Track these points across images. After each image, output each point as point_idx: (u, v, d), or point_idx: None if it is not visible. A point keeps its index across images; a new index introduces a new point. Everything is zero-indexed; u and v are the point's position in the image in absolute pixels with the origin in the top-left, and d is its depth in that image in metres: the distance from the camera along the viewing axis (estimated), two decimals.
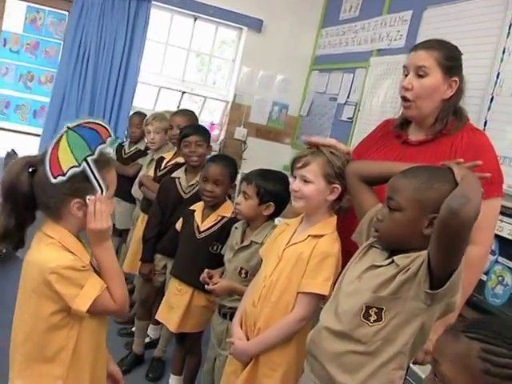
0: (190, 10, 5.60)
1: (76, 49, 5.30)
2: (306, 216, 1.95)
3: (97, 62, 5.38)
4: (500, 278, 2.90)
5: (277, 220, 2.33)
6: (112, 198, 1.59)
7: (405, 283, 1.43)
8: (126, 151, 4.17)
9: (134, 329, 3.41)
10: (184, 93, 5.84)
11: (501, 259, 2.91)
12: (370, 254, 1.60)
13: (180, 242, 2.66)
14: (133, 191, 3.80)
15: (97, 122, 1.52)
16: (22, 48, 5.58)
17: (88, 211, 1.48)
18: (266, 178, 2.22)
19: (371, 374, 1.48)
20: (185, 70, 5.94)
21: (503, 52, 3.15)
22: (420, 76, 1.88)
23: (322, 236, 1.85)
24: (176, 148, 3.42)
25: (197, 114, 5.93)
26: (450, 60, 1.87)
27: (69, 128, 1.47)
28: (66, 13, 5.45)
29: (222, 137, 5.98)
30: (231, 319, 2.10)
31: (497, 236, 2.88)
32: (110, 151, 4.64)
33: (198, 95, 6.05)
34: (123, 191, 3.85)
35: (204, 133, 2.98)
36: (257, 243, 2.19)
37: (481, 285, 2.92)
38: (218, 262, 2.42)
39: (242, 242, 2.27)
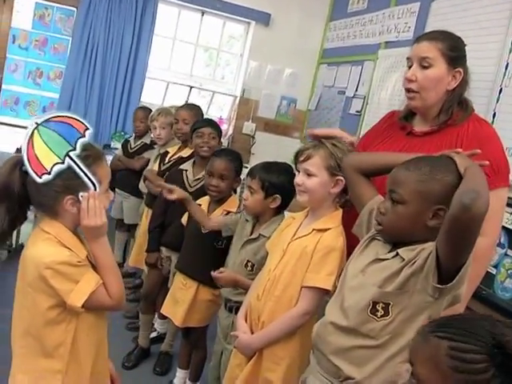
0: (197, 4, 5.61)
1: (84, 45, 5.33)
2: (311, 210, 1.94)
3: (105, 57, 5.40)
4: (510, 272, 2.88)
5: (286, 213, 2.32)
6: (107, 191, 1.57)
7: (411, 277, 1.42)
8: (132, 146, 4.19)
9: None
10: (192, 88, 5.83)
11: (510, 252, 2.89)
12: (372, 246, 1.58)
13: (185, 237, 2.66)
14: (140, 186, 3.81)
15: (68, 115, 1.50)
16: (31, 44, 5.61)
17: (81, 208, 1.47)
18: (269, 170, 2.20)
19: (379, 367, 1.47)
20: (193, 65, 5.95)
21: None
22: (424, 67, 1.86)
23: (326, 230, 1.84)
24: (181, 142, 3.42)
25: (205, 108, 5.99)
26: (454, 51, 1.85)
27: (37, 123, 1.44)
28: (74, 9, 5.47)
29: (230, 131, 5.98)
30: (237, 313, 2.10)
31: (506, 229, 2.86)
32: (116, 147, 4.68)
33: (206, 90, 6.04)
34: (131, 186, 3.88)
35: (217, 127, 2.99)
36: (265, 237, 2.18)
37: (490, 278, 2.90)
38: (222, 257, 2.41)
39: (251, 234, 2.27)
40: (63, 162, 1.44)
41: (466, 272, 1.35)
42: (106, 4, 5.30)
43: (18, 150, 1.55)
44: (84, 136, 1.48)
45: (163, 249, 3.03)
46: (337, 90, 5.30)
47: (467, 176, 1.35)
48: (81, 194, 1.46)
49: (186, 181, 2.92)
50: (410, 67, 1.92)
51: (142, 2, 5.39)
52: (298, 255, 1.84)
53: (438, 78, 1.85)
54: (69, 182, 1.46)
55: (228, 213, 2.53)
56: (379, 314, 1.45)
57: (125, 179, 4.00)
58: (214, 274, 2.18)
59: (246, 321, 1.98)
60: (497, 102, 3.15)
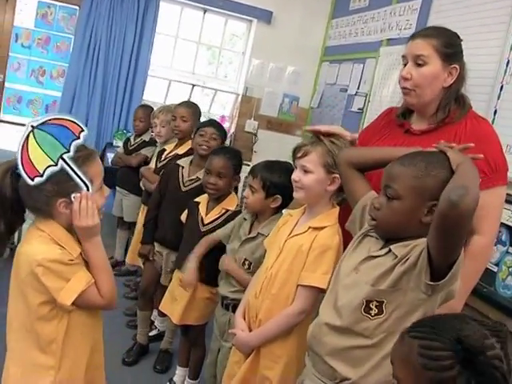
0: (199, 2, 5.60)
1: (87, 43, 5.33)
2: (308, 207, 1.94)
3: (107, 55, 5.41)
4: (511, 269, 2.86)
5: (284, 211, 2.31)
6: (101, 189, 1.58)
7: (404, 274, 1.41)
8: (132, 143, 4.23)
9: None
10: (194, 86, 5.83)
11: None
12: (365, 243, 1.58)
13: (184, 234, 2.66)
14: (141, 184, 3.82)
15: (64, 117, 1.51)
16: (34, 43, 5.63)
17: (73, 209, 1.48)
18: (271, 170, 2.20)
19: (374, 366, 1.46)
20: (195, 63, 5.95)
21: None
22: (419, 65, 1.85)
23: (322, 228, 1.84)
24: (177, 140, 3.42)
25: (207, 106, 6.00)
26: (449, 47, 1.84)
27: (33, 127, 1.46)
28: (77, 7, 5.48)
29: (232, 129, 5.98)
30: (234, 311, 2.11)
31: (508, 227, 2.84)
32: (118, 145, 4.69)
33: (208, 88, 6.04)
34: (131, 184, 3.90)
35: (221, 129, 2.98)
36: (263, 235, 2.18)
37: (491, 276, 2.89)
38: (220, 255, 2.40)
39: (249, 233, 2.27)
40: (56, 164, 1.45)
41: (458, 268, 1.35)
42: (108, 2, 5.30)
43: None
44: (79, 138, 1.49)
45: (155, 244, 3.05)
46: (339, 87, 5.29)
47: (458, 172, 1.34)
48: (73, 195, 1.48)
49: (181, 178, 2.94)
50: (405, 65, 1.91)
51: (144, 1, 5.38)
52: (295, 253, 1.84)
53: (433, 75, 1.84)
54: (59, 186, 1.47)
55: (227, 211, 2.53)
56: (373, 312, 1.45)
57: (125, 177, 4.03)
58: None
59: (244, 318, 1.98)
60: (498, 98, 3.13)
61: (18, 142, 1.47)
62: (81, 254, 1.55)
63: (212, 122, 3.08)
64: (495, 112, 3.14)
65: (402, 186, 1.44)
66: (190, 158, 3.01)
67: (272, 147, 5.56)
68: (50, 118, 1.49)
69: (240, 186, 2.94)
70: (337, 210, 1.91)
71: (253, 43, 5.82)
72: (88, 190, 1.49)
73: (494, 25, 3.26)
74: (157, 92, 5.88)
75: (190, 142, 3.23)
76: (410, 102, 1.92)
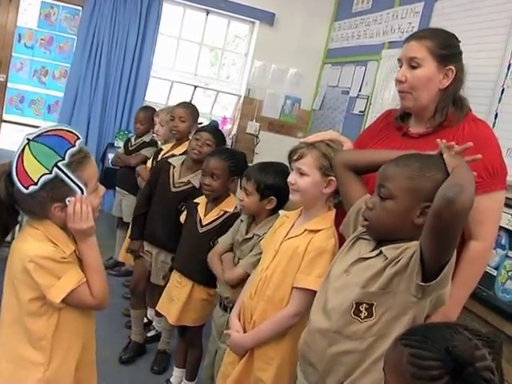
0: (201, 3, 5.60)
1: (89, 44, 5.34)
2: (304, 209, 1.94)
3: (110, 56, 5.42)
4: (510, 273, 2.85)
5: (281, 212, 2.31)
6: (96, 190, 1.59)
7: (395, 276, 1.40)
8: (132, 144, 4.24)
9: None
10: (196, 87, 5.83)
11: (511, 253, 2.86)
12: (357, 246, 1.57)
13: (182, 235, 2.66)
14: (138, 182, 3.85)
15: (60, 128, 1.52)
16: (37, 43, 5.63)
17: (67, 212, 1.50)
18: (265, 172, 2.20)
19: (365, 371, 1.45)
20: (197, 64, 5.95)
21: None
22: (413, 67, 1.84)
23: (318, 231, 1.84)
24: (175, 140, 3.43)
25: (209, 108, 5.99)
26: (444, 48, 1.82)
27: (28, 139, 1.47)
28: (80, 8, 5.48)
29: (234, 131, 5.98)
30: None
31: (507, 230, 2.83)
32: (120, 145, 4.70)
33: (210, 89, 6.05)
34: (130, 184, 3.91)
35: (218, 137, 2.94)
36: (258, 236, 2.19)
37: (490, 280, 2.88)
38: None
39: (246, 234, 2.27)
40: (51, 172, 1.46)
41: (449, 270, 1.34)
42: (111, 3, 5.31)
43: None
44: (74, 146, 1.50)
45: (144, 243, 3.05)
46: (341, 89, 5.29)
47: (453, 174, 1.34)
48: (67, 199, 1.49)
49: (171, 178, 2.94)
50: (401, 67, 1.90)
51: (146, 2, 5.39)
52: (290, 255, 1.84)
53: (427, 77, 1.82)
54: (54, 192, 1.48)
55: (225, 213, 2.53)
56: (362, 315, 1.44)
57: (124, 177, 4.04)
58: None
59: (239, 319, 1.98)
60: (499, 102, 3.12)
61: (16, 148, 1.48)
62: (75, 252, 1.56)
63: (210, 128, 3.09)
64: (496, 115, 3.13)
65: (395, 186, 1.44)
66: (183, 158, 3.01)
67: (273, 149, 5.55)
68: (46, 129, 1.51)
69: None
70: (333, 212, 1.91)
71: (255, 45, 5.82)
72: (82, 193, 1.50)
73: (495, 28, 3.25)
74: (159, 93, 5.88)
75: (187, 142, 3.22)
76: (406, 106, 1.91)
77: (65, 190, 1.49)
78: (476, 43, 3.19)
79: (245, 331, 1.94)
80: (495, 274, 2.90)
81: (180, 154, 3.21)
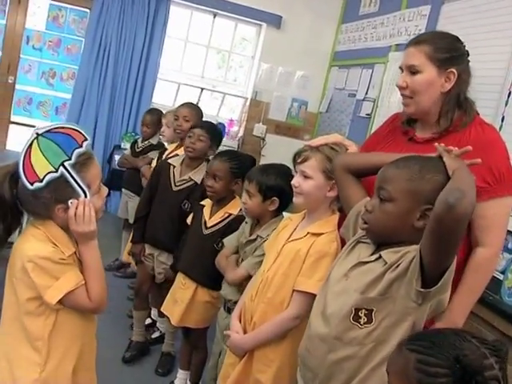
0: (209, 6, 5.62)
1: (97, 46, 5.37)
2: (308, 212, 1.94)
3: (117, 58, 5.45)
4: None
5: (285, 214, 2.31)
6: (99, 191, 1.59)
7: (394, 282, 1.39)
8: (139, 145, 4.23)
9: (146, 322, 3.44)
10: (203, 89, 5.84)
11: None
12: (356, 249, 1.55)
13: (188, 236, 2.67)
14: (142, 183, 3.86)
15: (69, 126, 1.53)
16: (45, 45, 5.68)
17: (69, 215, 1.50)
18: (266, 173, 2.20)
19: (364, 377, 1.43)
20: (204, 67, 5.96)
21: None
22: (413, 73, 1.82)
23: (320, 234, 1.83)
24: (179, 140, 3.44)
25: (216, 110, 6.00)
26: (444, 52, 1.79)
27: (38, 134, 1.47)
28: (88, 10, 5.53)
29: (240, 133, 5.99)
30: None
31: None
32: (126, 147, 4.72)
33: (217, 91, 6.05)
34: (136, 185, 3.91)
35: (211, 131, 2.94)
36: (262, 238, 2.18)
37: (497, 284, 2.86)
38: None
39: (250, 236, 2.27)
40: (57, 171, 1.46)
41: (450, 276, 1.32)
42: (118, 6, 5.34)
43: None
44: (81, 146, 1.51)
45: (146, 246, 3.05)
46: (347, 92, 5.29)
47: (454, 177, 1.32)
48: (70, 201, 1.49)
49: (172, 177, 2.95)
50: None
51: (154, 4, 5.42)
52: (292, 258, 1.83)
53: (427, 82, 1.80)
54: (57, 193, 1.48)
55: (229, 215, 2.53)
56: (362, 321, 1.42)
57: (131, 178, 4.04)
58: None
59: (240, 321, 1.98)
60: (505, 105, 3.11)
61: (22, 147, 1.48)
62: (75, 253, 1.56)
63: (203, 123, 3.05)
64: (503, 119, 3.12)
65: (395, 188, 1.42)
66: (182, 157, 3.01)
67: (280, 151, 5.53)
68: (55, 126, 1.51)
69: None
70: (336, 216, 1.90)
71: (262, 47, 5.84)
72: (86, 196, 1.51)
73: (502, 31, 3.24)
74: (166, 95, 5.90)
75: None
76: (409, 112, 1.89)
77: (68, 191, 1.49)
78: (483, 46, 3.18)
79: (245, 333, 1.93)
80: (502, 278, 2.88)
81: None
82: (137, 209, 3.18)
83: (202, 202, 2.66)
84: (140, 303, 3.20)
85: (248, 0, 5.58)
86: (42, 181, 1.45)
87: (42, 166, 1.46)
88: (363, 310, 1.42)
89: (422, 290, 1.32)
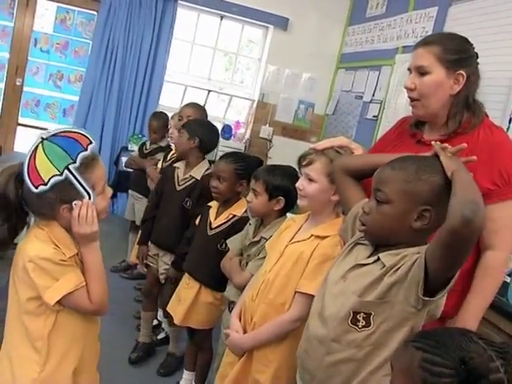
0: (216, 8, 5.64)
1: (104, 48, 5.40)
2: (312, 215, 1.93)
3: (124, 61, 5.47)
4: None
5: (288, 215, 2.31)
6: (103, 192, 1.59)
7: (393, 286, 1.37)
8: (147, 147, 4.23)
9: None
10: (210, 91, 5.85)
11: None
12: (354, 251, 1.54)
13: (195, 237, 2.67)
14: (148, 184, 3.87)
15: (74, 130, 1.53)
16: (52, 48, 5.72)
17: (72, 216, 1.50)
18: (273, 173, 2.20)
19: (362, 381, 1.43)
20: (211, 69, 5.98)
21: None
22: (422, 74, 1.81)
23: (325, 237, 1.81)
24: None
25: (223, 112, 6.01)
26: (453, 53, 1.77)
27: (43, 138, 1.48)
28: (95, 13, 5.56)
29: (247, 135, 5.99)
30: None
31: None
32: (133, 149, 4.73)
33: (224, 94, 6.07)
34: (143, 187, 3.91)
35: (191, 128, 2.97)
36: (266, 239, 2.18)
37: (504, 287, 2.83)
38: None
39: (253, 237, 2.27)
40: (61, 174, 1.47)
41: (453, 283, 1.32)
42: (126, 8, 5.37)
43: None
44: (86, 149, 1.51)
45: (151, 246, 3.08)
46: (354, 94, 5.29)
47: (457, 182, 1.29)
48: (74, 202, 1.50)
49: (176, 178, 2.99)
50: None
51: (161, 7, 5.45)
52: (295, 260, 1.82)
53: (436, 83, 1.78)
54: (62, 194, 1.49)
55: (234, 216, 2.53)
56: (360, 324, 1.41)
57: (138, 180, 4.04)
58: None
59: (239, 319, 1.97)
60: None
61: (27, 151, 1.49)
62: (78, 254, 1.56)
63: (186, 122, 3.12)
64: (510, 120, 3.11)
65: (392, 189, 1.41)
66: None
67: (287, 153, 5.51)
68: (60, 130, 1.52)
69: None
70: (340, 219, 1.87)
71: (269, 49, 5.84)
72: (90, 197, 1.51)
73: (509, 33, 3.24)
74: (173, 97, 5.92)
75: None
76: (417, 114, 1.88)
77: (73, 192, 1.50)
78: (490, 48, 3.17)
79: (245, 332, 1.93)
80: (508, 281, 2.86)
81: None
82: (144, 211, 3.22)
83: (209, 204, 2.67)
84: (148, 304, 3.20)
85: (255, 2, 5.60)
86: (46, 184, 1.46)
87: (47, 170, 1.46)
88: (362, 314, 1.41)
89: (426, 298, 1.31)
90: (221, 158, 2.59)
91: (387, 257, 1.41)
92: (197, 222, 2.72)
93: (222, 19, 5.83)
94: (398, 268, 1.37)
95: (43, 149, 1.47)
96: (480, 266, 1.77)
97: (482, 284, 1.77)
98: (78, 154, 1.49)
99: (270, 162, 5.64)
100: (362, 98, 5.10)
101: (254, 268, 2.14)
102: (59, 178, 1.47)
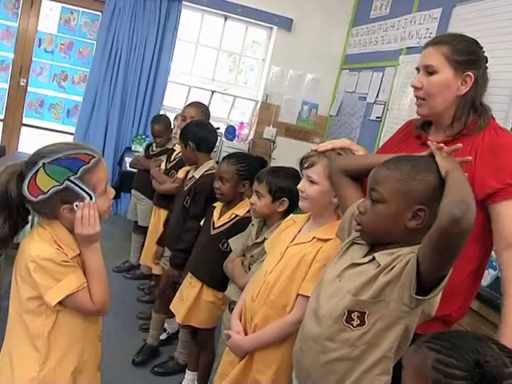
0: (220, 9, 5.64)
1: (108, 49, 5.41)
2: (313, 216, 1.92)
3: (128, 61, 5.48)
4: None
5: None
6: (105, 192, 1.59)
7: (387, 285, 1.38)
8: (153, 149, 4.21)
9: None
10: (214, 92, 5.86)
11: None
12: (350, 251, 1.55)
13: (199, 236, 2.68)
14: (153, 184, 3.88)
15: (75, 152, 1.51)
16: (56, 48, 5.72)
17: (75, 217, 1.51)
18: (276, 174, 2.21)
19: (355, 380, 1.43)
20: (215, 70, 5.98)
21: None
22: (430, 73, 1.80)
23: (327, 240, 1.81)
24: None
25: (227, 113, 6.01)
26: (462, 54, 1.76)
27: (44, 163, 1.48)
28: (99, 13, 5.56)
29: (251, 136, 6.00)
30: None
31: None
32: (141, 149, 4.72)
33: (227, 94, 6.07)
34: (146, 187, 3.91)
35: (185, 134, 3.01)
36: None
37: None
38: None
39: (256, 238, 2.27)
40: (61, 184, 1.48)
41: (446, 282, 1.31)
42: (130, 9, 5.38)
43: None
44: (88, 163, 1.51)
45: (166, 248, 3.11)
46: (358, 95, 5.28)
47: (450, 182, 1.30)
48: (75, 203, 1.50)
49: (186, 181, 3.08)
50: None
51: (165, 7, 5.46)
52: (297, 262, 1.81)
53: (443, 83, 1.77)
54: (62, 195, 1.49)
55: (236, 216, 2.53)
56: (355, 323, 1.41)
57: (141, 180, 4.03)
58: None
59: (240, 319, 1.97)
60: None
61: (28, 173, 1.49)
62: (79, 255, 1.57)
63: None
64: None
65: (386, 189, 1.41)
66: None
67: (290, 154, 5.51)
68: (61, 155, 1.49)
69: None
70: None
71: (273, 50, 5.85)
72: (91, 199, 1.52)
73: None
74: (176, 98, 5.92)
75: None
76: (422, 113, 1.87)
77: (73, 193, 1.50)
78: (494, 49, 3.14)
79: (245, 332, 1.92)
80: None
81: None
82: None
83: (213, 204, 2.68)
84: (161, 306, 3.18)
85: (259, 3, 5.60)
86: (46, 193, 1.47)
87: (47, 183, 1.47)
88: (356, 313, 1.41)
89: (419, 297, 1.32)
90: (223, 158, 2.60)
91: (382, 256, 1.42)
92: (201, 223, 2.74)
93: (226, 20, 5.84)
94: (393, 267, 1.38)
95: (44, 170, 1.48)
96: (508, 270, 1.71)
97: None
98: (80, 167, 1.50)
99: (273, 163, 5.64)
100: (365, 99, 5.09)
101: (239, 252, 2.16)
102: (59, 187, 1.48)
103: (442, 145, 1.46)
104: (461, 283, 1.79)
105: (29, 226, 1.65)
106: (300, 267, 1.81)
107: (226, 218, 2.55)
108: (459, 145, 1.48)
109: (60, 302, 1.51)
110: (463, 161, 1.45)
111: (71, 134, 5.71)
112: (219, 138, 5.36)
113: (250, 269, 2.21)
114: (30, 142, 5.73)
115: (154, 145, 4.25)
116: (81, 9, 5.65)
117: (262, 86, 5.98)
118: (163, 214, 3.51)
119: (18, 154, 5.15)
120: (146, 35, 5.48)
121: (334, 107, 5.79)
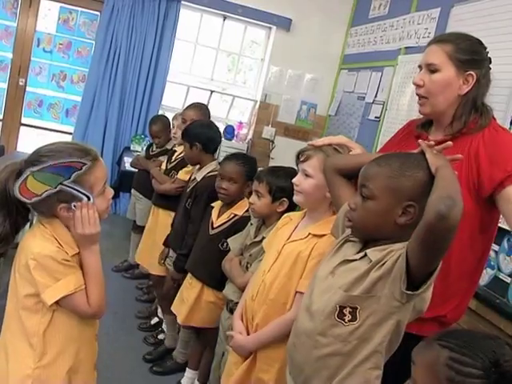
0: (219, 9, 5.64)
1: (107, 48, 5.41)
2: (308, 212, 1.93)
3: (127, 61, 5.49)
4: None
5: None
6: (104, 192, 1.59)
7: (379, 280, 1.38)
8: (154, 149, 4.20)
9: (153, 322, 3.50)
10: (213, 92, 5.86)
11: None
12: (344, 248, 1.55)
13: (198, 236, 2.69)
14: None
15: (64, 161, 1.49)
16: (55, 48, 5.72)
17: (74, 217, 1.51)
18: (276, 174, 2.21)
19: (347, 375, 1.43)
20: (214, 69, 5.99)
21: None
22: (431, 71, 1.80)
23: (322, 236, 1.81)
24: None
25: (225, 113, 6.02)
26: (465, 53, 1.75)
27: (32, 171, 1.47)
28: (98, 13, 5.56)
29: (249, 136, 6.00)
30: None
31: None
32: (140, 149, 4.72)
33: (226, 94, 6.07)
34: (145, 188, 3.91)
35: (191, 133, 3.01)
36: None
37: (504, 287, 2.85)
38: None
39: (255, 237, 2.27)
40: (55, 188, 1.48)
41: (435, 277, 1.32)
42: (128, 9, 5.38)
43: None
44: (81, 169, 1.50)
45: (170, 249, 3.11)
46: (357, 95, 5.29)
47: (439, 179, 1.31)
48: (73, 203, 1.51)
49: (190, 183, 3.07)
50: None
51: (164, 7, 5.46)
52: (293, 260, 1.82)
53: (445, 82, 1.77)
54: (59, 194, 1.49)
55: (235, 216, 2.54)
56: (346, 318, 1.42)
57: (141, 180, 4.03)
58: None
59: (242, 320, 1.97)
60: None
61: (17, 180, 1.48)
62: (79, 254, 1.57)
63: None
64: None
65: (376, 185, 1.42)
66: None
67: (289, 154, 5.48)
68: (51, 163, 1.48)
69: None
70: None
71: (272, 50, 5.85)
72: (89, 199, 1.52)
73: (511, 34, 3.23)
74: (175, 98, 5.93)
75: None
76: (423, 112, 1.87)
77: (70, 194, 1.50)
78: (492, 49, 3.14)
79: (247, 332, 1.93)
80: (509, 281, 2.87)
81: None
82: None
83: (212, 204, 2.68)
84: (169, 307, 3.20)
85: (258, 3, 5.60)
86: (41, 195, 1.47)
87: (39, 188, 1.47)
88: (348, 308, 1.42)
89: (409, 292, 1.32)
90: (226, 159, 2.60)
91: (374, 252, 1.42)
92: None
93: (224, 20, 5.84)
94: (384, 263, 1.38)
95: (34, 177, 1.47)
96: None
97: None
98: (72, 173, 1.49)
99: (272, 163, 5.65)
100: (364, 98, 5.10)
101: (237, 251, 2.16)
102: (53, 191, 1.47)
103: (433, 142, 1.47)
104: (456, 283, 1.79)
105: (28, 225, 1.65)
106: (297, 264, 1.81)
107: (224, 217, 2.56)
108: (449, 143, 1.49)
109: (56, 302, 1.51)
110: (453, 159, 1.46)
111: (70, 133, 5.71)
112: None
113: (247, 268, 2.22)
114: (28, 142, 5.73)
115: (154, 146, 4.25)
116: (79, 9, 5.65)
117: (260, 86, 5.98)
118: (161, 213, 3.51)
119: (16, 153, 5.15)
120: (144, 35, 5.48)
121: (332, 107, 5.79)
